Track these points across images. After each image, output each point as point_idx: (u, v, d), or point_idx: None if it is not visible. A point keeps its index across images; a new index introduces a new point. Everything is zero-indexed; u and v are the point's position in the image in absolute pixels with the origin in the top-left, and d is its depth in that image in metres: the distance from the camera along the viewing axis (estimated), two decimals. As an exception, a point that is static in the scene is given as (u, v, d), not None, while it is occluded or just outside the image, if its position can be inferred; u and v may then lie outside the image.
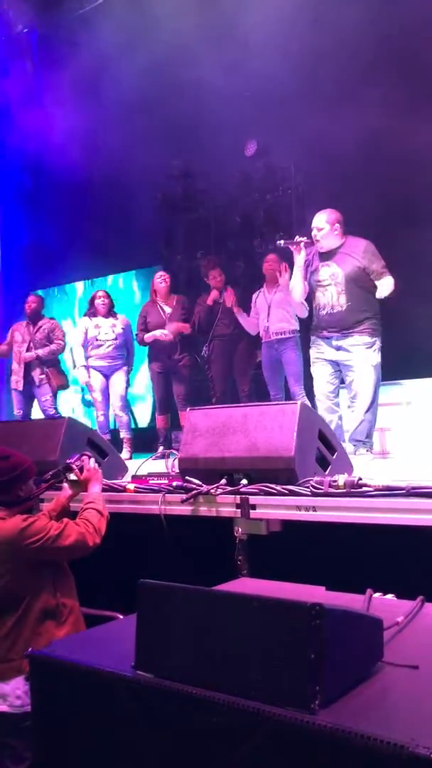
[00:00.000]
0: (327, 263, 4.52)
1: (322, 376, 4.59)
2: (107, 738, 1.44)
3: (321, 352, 4.59)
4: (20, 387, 6.76)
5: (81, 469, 2.95)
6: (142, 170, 6.98)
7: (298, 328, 5.67)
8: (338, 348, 4.49)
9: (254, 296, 6.08)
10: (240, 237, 7.61)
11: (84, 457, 3.01)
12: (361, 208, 5.17)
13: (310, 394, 5.01)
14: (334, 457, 3.25)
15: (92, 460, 3.03)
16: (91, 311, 6.53)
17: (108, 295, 6.58)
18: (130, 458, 5.85)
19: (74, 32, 7.37)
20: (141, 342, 6.34)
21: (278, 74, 5.57)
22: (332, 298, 4.48)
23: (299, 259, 4.59)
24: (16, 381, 6.78)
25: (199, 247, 7.91)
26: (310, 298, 4.70)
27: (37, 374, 6.73)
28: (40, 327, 6.81)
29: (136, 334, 6.36)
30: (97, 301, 6.48)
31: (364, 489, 2.75)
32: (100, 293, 6.58)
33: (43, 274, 9.00)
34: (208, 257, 7.26)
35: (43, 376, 6.72)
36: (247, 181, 7.49)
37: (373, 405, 4.41)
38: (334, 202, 4.80)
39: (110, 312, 6.49)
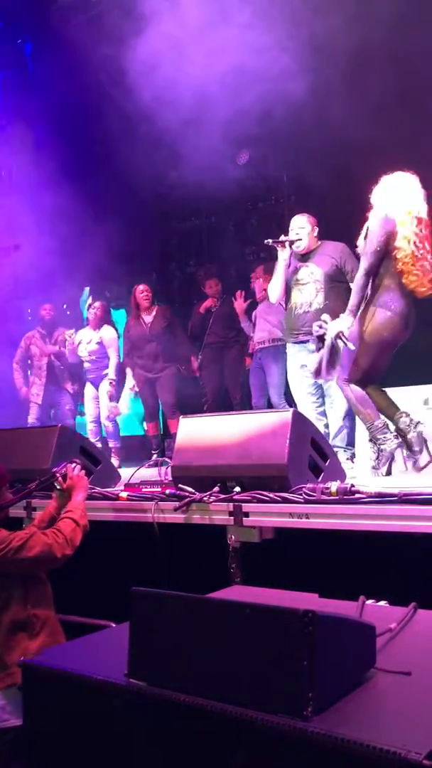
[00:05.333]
0: (305, 264, 4.55)
1: (302, 387, 4.54)
2: (101, 746, 1.43)
3: (298, 360, 4.54)
4: (39, 401, 6.80)
5: (65, 477, 2.88)
6: (135, 179, 7.00)
7: (280, 337, 5.57)
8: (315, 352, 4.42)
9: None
10: (233, 245, 7.65)
11: (69, 465, 2.93)
12: (351, 218, 5.20)
13: (292, 404, 4.96)
14: (327, 464, 3.25)
15: (77, 467, 2.94)
16: (86, 322, 6.62)
17: (102, 307, 6.62)
18: (119, 467, 5.86)
19: (69, 43, 7.39)
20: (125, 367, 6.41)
21: (275, 81, 5.61)
22: (310, 296, 4.47)
23: (282, 257, 4.59)
24: (36, 394, 6.82)
25: (192, 255, 7.94)
26: (285, 300, 4.68)
27: (69, 386, 6.79)
28: (56, 339, 6.86)
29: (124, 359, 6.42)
30: (90, 311, 6.56)
31: (357, 496, 2.76)
32: (96, 305, 6.63)
33: (35, 284, 8.99)
34: (205, 266, 7.29)
35: (73, 389, 6.79)
36: (239, 189, 7.53)
37: (350, 411, 4.31)
38: (326, 211, 4.84)
39: (101, 322, 6.54)
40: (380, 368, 3.91)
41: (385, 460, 3.72)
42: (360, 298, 3.81)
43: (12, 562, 2.46)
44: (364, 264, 3.79)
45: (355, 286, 3.84)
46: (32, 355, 6.92)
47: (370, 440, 3.84)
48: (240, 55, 5.95)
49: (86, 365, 6.48)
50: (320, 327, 3.89)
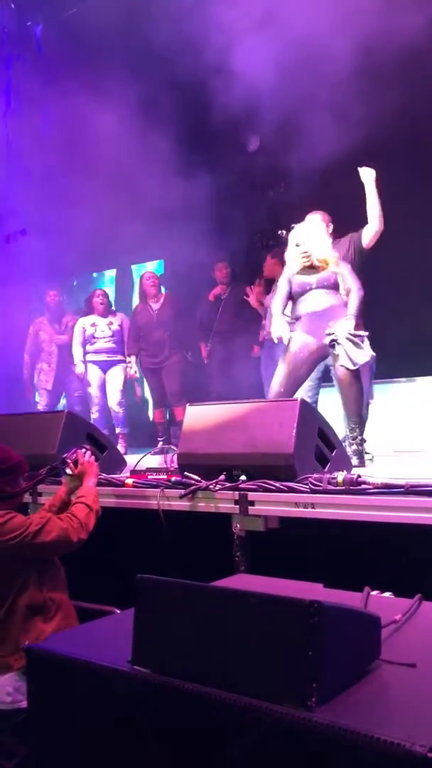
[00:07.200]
0: None
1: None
2: (104, 733, 1.43)
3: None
4: (49, 387, 6.82)
5: (76, 463, 2.93)
6: (144, 165, 6.96)
7: None
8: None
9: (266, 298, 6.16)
10: (241, 232, 7.59)
11: (79, 451, 2.98)
12: (359, 209, 5.18)
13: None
14: (333, 454, 3.25)
15: (88, 453, 3.00)
16: (87, 310, 6.60)
17: (106, 295, 6.63)
18: (125, 453, 5.86)
19: (77, 26, 7.33)
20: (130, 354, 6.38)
21: (285, 70, 5.55)
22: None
23: None
24: (46, 381, 6.83)
25: (201, 242, 7.89)
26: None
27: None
28: (66, 324, 6.86)
29: (129, 344, 6.39)
30: (96, 300, 6.53)
31: (363, 486, 2.75)
32: (99, 292, 6.63)
33: (46, 268, 8.98)
34: (215, 253, 7.26)
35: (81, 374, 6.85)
36: (249, 176, 7.47)
37: None
38: (334, 201, 4.86)
39: (108, 310, 6.55)
40: None
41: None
42: (361, 307, 4.24)
43: (30, 546, 2.49)
44: (359, 282, 4.29)
45: (359, 297, 4.26)
46: (41, 341, 6.93)
47: (354, 437, 4.05)
48: (252, 41, 5.89)
49: (99, 348, 6.46)
50: (329, 335, 4.18)
